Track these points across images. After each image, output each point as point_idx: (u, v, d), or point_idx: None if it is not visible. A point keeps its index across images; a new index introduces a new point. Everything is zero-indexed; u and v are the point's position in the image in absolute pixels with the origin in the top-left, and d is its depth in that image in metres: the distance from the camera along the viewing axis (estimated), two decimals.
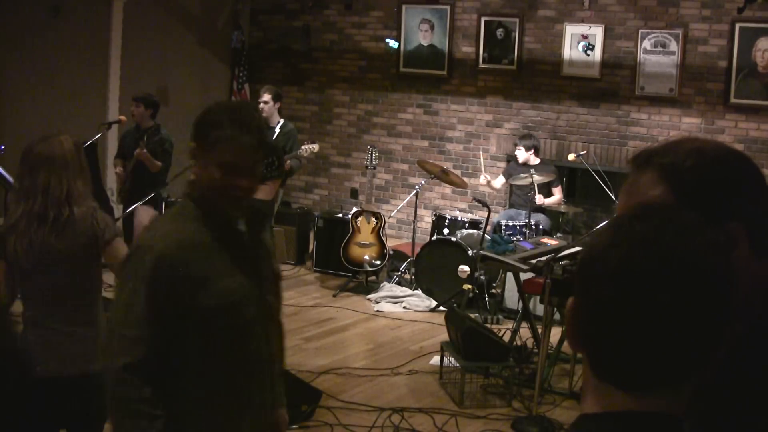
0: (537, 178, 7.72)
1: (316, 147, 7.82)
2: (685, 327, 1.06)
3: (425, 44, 9.85)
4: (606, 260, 1.10)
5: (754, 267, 1.32)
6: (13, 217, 3.15)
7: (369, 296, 7.58)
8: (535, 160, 8.24)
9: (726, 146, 1.40)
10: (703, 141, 1.37)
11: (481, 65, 9.51)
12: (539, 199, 7.81)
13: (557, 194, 8.16)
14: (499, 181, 8.50)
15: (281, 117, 7.85)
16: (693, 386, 1.11)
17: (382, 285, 7.80)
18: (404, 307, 7.33)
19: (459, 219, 7.94)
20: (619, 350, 1.10)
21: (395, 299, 7.46)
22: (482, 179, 8.37)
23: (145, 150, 6.71)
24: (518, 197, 8.33)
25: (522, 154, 8.23)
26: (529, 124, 9.30)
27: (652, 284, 1.06)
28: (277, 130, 7.66)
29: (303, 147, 7.73)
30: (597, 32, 8.81)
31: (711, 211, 1.27)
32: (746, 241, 1.32)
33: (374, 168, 8.25)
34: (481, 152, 9.06)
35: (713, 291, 1.07)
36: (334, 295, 7.64)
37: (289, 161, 7.55)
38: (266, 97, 7.65)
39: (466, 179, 8.50)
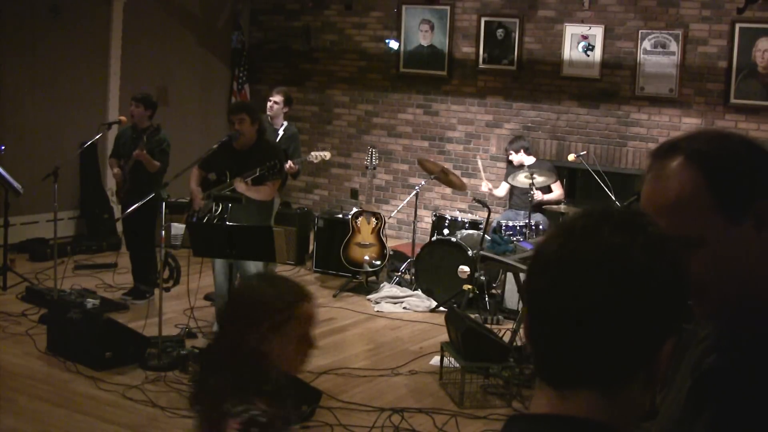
0: (538, 180, 7.73)
1: (327, 155, 7.88)
2: (611, 325, 1.04)
3: (425, 44, 9.84)
4: (541, 254, 1.10)
5: None
6: None
7: (369, 296, 7.58)
8: (529, 160, 8.27)
9: (744, 134, 1.41)
10: (724, 129, 1.39)
11: (481, 65, 9.51)
12: (538, 194, 7.81)
13: (557, 190, 8.17)
14: (503, 189, 8.51)
15: (286, 119, 7.87)
16: (637, 396, 1.07)
17: (382, 285, 7.80)
18: (404, 308, 7.33)
19: (459, 219, 7.94)
20: (546, 343, 1.09)
21: (395, 299, 7.46)
22: (484, 187, 8.38)
23: (144, 150, 6.70)
24: (518, 198, 8.34)
25: (515, 158, 8.32)
26: (529, 125, 9.30)
27: (581, 278, 1.05)
28: (281, 132, 7.68)
29: (313, 153, 7.76)
30: (597, 32, 8.81)
31: (742, 191, 1.29)
32: None
33: (374, 168, 8.25)
34: (479, 159, 9.04)
35: (645, 292, 1.04)
36: (335, 296, 7.64)
37: (297, 166, 7.58)
38: (278, 98, 7.68)
39: (465, 180, 8.50)
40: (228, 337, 2.24)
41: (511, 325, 6.26)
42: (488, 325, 6.49)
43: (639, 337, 1.05)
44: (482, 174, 8.60)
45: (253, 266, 5.97)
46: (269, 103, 7.63)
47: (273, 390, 2.18)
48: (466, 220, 7.90)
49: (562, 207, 7.91)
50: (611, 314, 1.04)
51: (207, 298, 7.09)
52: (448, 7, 9.64)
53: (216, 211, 5.78)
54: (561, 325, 1.06)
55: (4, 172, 7.07)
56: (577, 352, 1.06)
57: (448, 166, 9.09)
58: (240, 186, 5.72)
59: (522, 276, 5.90)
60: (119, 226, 8.44)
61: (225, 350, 2.21)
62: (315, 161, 7.82)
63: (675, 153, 1.33)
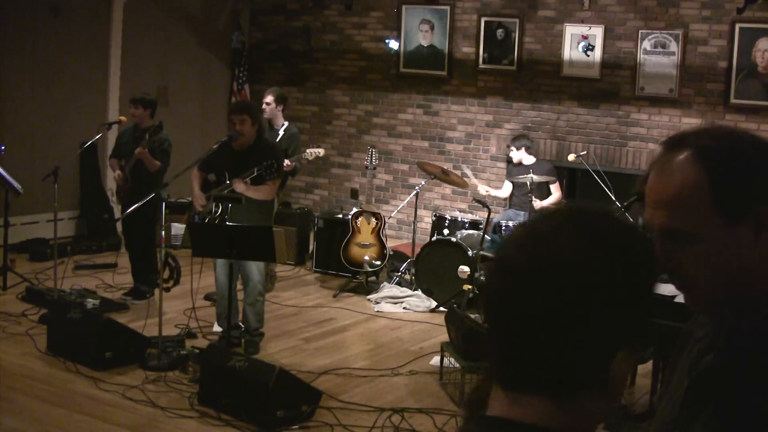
0: (536, 178, 7.74)
1: (321, 151, 7.87)
2: (559, 334, 1.03)
3: (425, 45, 9.84)
4: (499, 256, 1.10)
5: None
6: None
7: (369, 297, 7.58)
8: (529, 159, 8.28)
9: (757, 134, 1.40)
10: (734, 127, 1.37)
11: (481, 66, 9.51)
12: (537, 204, 7.84)
13: (556, 192, 8.18)
14: (507, 189, 8.50)
15: (285, 119, 7.87)
16: (590, 405, 1.06)
17: (382, 285, 7.80)
18: (404, 308, 7.32)
19: (459, 219, 7.94)
20: (499, 347, 1.09)
21: (395, 300, 7.46)
22: (482, 190, 8.37)
23: (146, 149, 6.70)
24: (518, 198, 8.34)
25: (515, 155, 8.31)
26: (529, 125, 9.30)
27: (533, 285, 1.04)
28: (281, 132, 7.68)
29: (308, 150, 7.76)
30: (597, 32, 8.81)
31: (743, 193, 1.28)
32: None
33: (374, 168, 8.25)
34: (469, 170, 8.95)
35: (596, 303, 1.02)
36: (334, 296, 7.64)
37: (294, 163, 7.58)
38: (269, 98, 7.68)
39: (466, 179, 8.50)
40: None
41: None
42: None
43: (587, 347, 1.03)
44: (473, 180, 8.57)
45: (255, 266, 5.98)
46: (263, 106, 7.63)
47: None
48: (466, 220, 7.90)
49: None
50: (560, 323, 1.03)
51: (207, 298, 7.09)
52: (448, 7, 9.64)
53: (216, 211, 5.78)
54: (512, 330, 1.06)
55: (4, 172, 7.07)
56: (527, 358, 1.05)
57: (448, 166, 9.10)
58: (239, 186, 5.71)
59: None
60: (119, 226, 8.44)
61: None
62: (310, 158, 7.82)
63: (683, 147, 1.33)
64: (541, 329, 1.03)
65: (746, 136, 1.34)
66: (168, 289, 7.09)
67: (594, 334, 1.03)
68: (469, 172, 8.84)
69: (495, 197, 8.56)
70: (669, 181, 1.32)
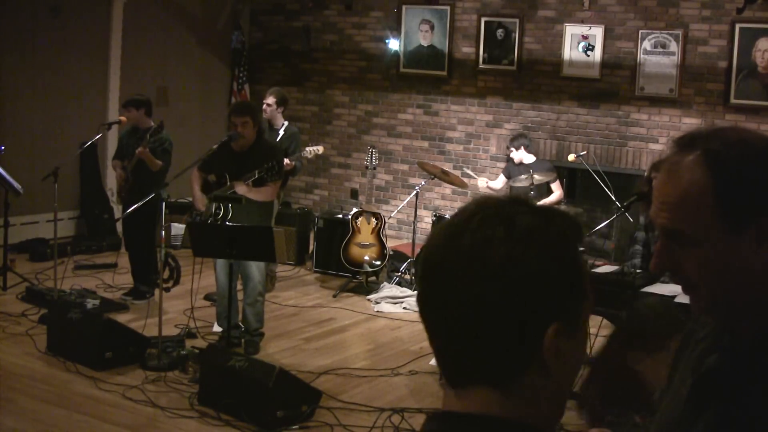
0: (537, 178, 7.74)
1: (320, 149, 7.87)
2: (482, 321, 1.03)
3: (425, 45, 9.84)
4: (423, 254, 1.11)
5: None
6: None
7: (369, 297, 7.58)
8: (529, 158, 8.28)
9: None
10: (750, 132, 1.34)
11: (481, 66, 9.51)
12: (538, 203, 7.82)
13: (557, 190, 8.18)
14: (500, 181, 8.50)
15: (285, 119, 7.87)
16: (537, 385, 1.06)
17: (382, 285, 7.80)
18: (404, 308, 7.32)
19: None
20: (435, 344, 1.10)
21: (395, 300, 7.46)
22: (481, 183, 8.38)
23: (146, 149, 6.70)
24: None
25: (515, 155, 8.31)
26: (529, 125, 9.30)
27: (451, 276, 1.05)
28: (281, 132, 7.68)
29: (307, 149, 7.75)
30: (597, 32, 8.80)
31: (749, 203, 1.27)
32: None
33: (374, 168, 8.25)
34: (469, 170, 8.97)
35: (509, 285, 1.03)
36: (334, 296, 7.64)
37: (295, 163, 7.57)
38: (270, 99, 7.66)
39: (465, 180, 8.50)
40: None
41: None
42: None
43: (512, 330, 1.04)
44: (474, 176, 8.59)
45: (255, 266, 5.97)
46: (264, 107, 7.63)
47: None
48: None
49: (563, 207, 7.92)
50: (478, 310, 1.03)
51: (207, 298, 7.09)
52: (448, 7, 9.64)
53: (218, 213, 5.78)
54: (441, 324, 1.08)
55: (4, 172, 7.07)
56: (459, 350, 1.06)
57: (448, 166, 9.11)
58: (241, 188, 5.71)
59: None
60: (119, 226, 8.44)
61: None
62: (309, 156, 7.82)
63: (693, 148, 1.32)
64: (464, 319, 1.04)
65: (760, 142, 1.31)
66: (168, 289, 7.10)
67: (513, 315, 1.03)
68: (470, 172, 8.84)
69: (491, 189, 8.50)
70: (675, 183, 1.31)
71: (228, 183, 5.83)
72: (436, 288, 1.07)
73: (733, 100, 8.24)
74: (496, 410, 1.06)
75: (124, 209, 6.89)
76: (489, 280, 1.03)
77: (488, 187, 8.36)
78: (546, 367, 1.05)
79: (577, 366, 1.11)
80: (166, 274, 6.91)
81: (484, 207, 1.09)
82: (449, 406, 1.09)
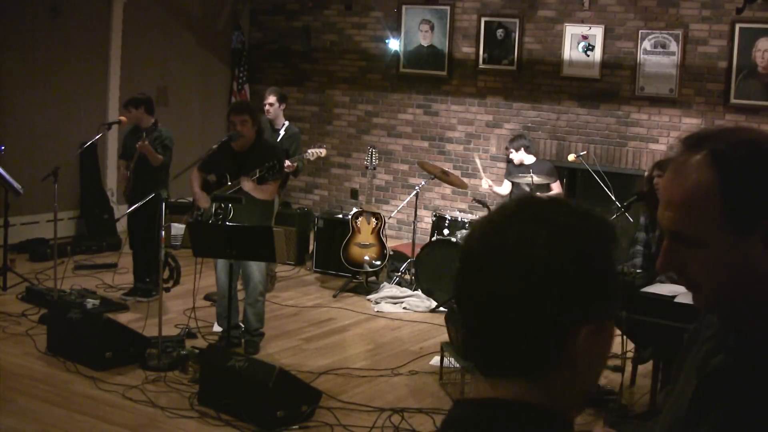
0: (536, 179, 7.74)
1: (323, 151, 7.87)
2: (519, 316, 1.08)
3: (425, 45, 9.84)
4: (464, 246, 1.16)
5: None
6: None
7: (369, 297, 7.58)
8: (529, 158, 8.28)
9: None
10: (757, 132, 1.34)
11: (481, 66, 9.51)
12: None
13: (556, 190, 8.18)
14: (506, 188, 8.50)
15: (286, 119, 7.87)
16: (565, 380, 1.11)
17: (382, 285, 7.80)
18: (404, 308, 7.32)
19: (459, 219, 7.93)
20: (472, 334, 1.14)
21: (395, 300, 7.46)
22: (484, 183, 8.38)
23: (147, 142, 6.71)
24: None
25: (515, 156, 8.31)
26: (529, 125, 9.30)
27: (492, 272, 1.10)
28: (282, 132, 7.68)
29: (310, 150, 7.75)
30: (597, 32, 8.81)
31: (755, 204, 1.26)
32: None
33: (374, 168, 8.25)
34: (477, 157, 9.05)
35: (547, 284, 1.07)
36: (334, 296, 7.63)
37: (296, 164, 7.57)
38: (271, 98, 7.66)
39: (465, 180, 8.50)
40: None
41: None
42: None
43: (548, 326, 1.08)
44: (481, 173, 8.60)
45: (255, 266, 5.97)
46: (265, 107, 7.62)
47: None
48: (466, 221, 7.89)
49: None
50: (518, 306, 1.08)
51: (207, 298, 7.09)
52: (448, 7, 9.64)
53: (219, 213, 5.78)
54: (479, 316, 1.12)
55: (4, 172, 7.07)
56: (496, 342, 1.11)
57: (448, 166, 9.11)
58: (247, 185, 5.70)
59: None
60: (119, 226, 8.44)
61: None
62: (312, 158, 7.82)
63: (700, 148, 1.31)
64: (502, 313, 1.09)
65: (767, 143, 1.31)
66: (168, 289, 7.10)
67: (549, 313, 1.08)
68: (478, 162, 8.83)
69: (497, 193, 8.54)
70: (681, 183, 1.31)
71: (228, 183, 5.83)
72: (477, 283, 1.11)
73: (733, 100, 8.24)
74: (528, 398, 1.11)
75: (129, 207, 6.90)
76: (529, 278, 1.07)
77: (491, 188, 8.36)
78: (575, 362, 1.10)
79: (603, 363, 1.16)
80: (166, 274, 6.91)
81: (524, 206, 1.14)
82: (482, 394, 1.14)
